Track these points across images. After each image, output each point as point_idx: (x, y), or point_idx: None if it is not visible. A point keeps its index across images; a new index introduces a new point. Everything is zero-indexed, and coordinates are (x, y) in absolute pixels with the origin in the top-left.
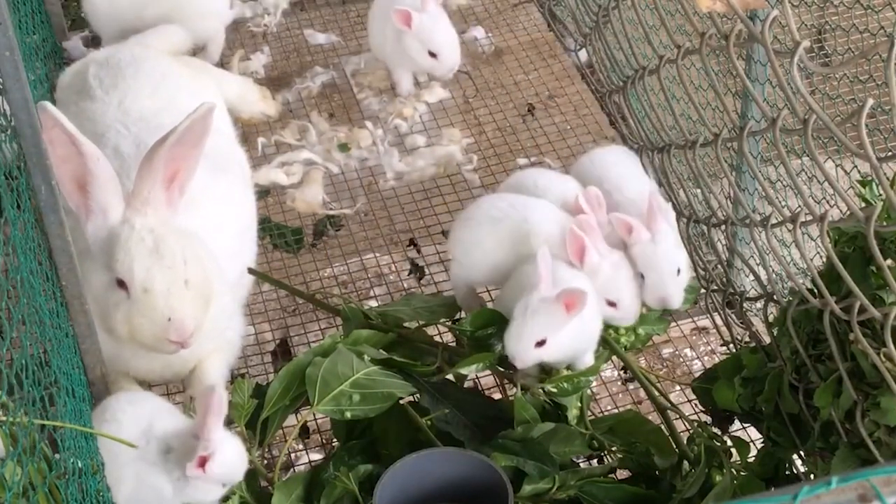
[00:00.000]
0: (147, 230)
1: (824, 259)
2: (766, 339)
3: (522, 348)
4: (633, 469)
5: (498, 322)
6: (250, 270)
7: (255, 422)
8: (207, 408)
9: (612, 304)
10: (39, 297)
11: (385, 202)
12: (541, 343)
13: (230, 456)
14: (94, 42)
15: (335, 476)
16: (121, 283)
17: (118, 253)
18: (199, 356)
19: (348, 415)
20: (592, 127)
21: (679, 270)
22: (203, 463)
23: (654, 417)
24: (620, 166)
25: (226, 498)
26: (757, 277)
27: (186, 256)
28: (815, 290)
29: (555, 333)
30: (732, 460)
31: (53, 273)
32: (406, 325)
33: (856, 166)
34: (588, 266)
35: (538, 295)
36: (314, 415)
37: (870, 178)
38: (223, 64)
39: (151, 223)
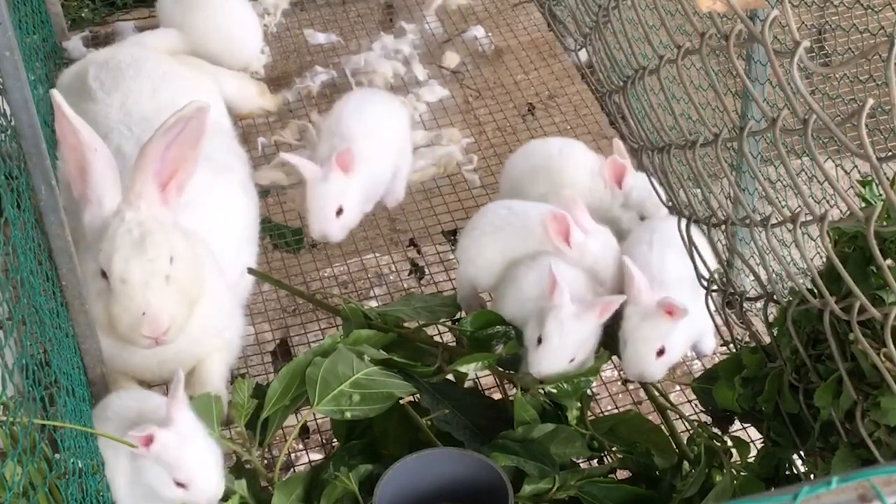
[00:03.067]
0: (136, 223)
1: (824, 259)
2: (766, 339)
3: (559, 368)
4: (633, 469)
5: (498, 323)
6: (250, 270)
7: (255, 422)
8: (172, 390)
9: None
10: (39, 297)
11: None
12: (572, 360)
13: (179, 442)
14: (93, 42)
15: (335, 476)
16: (104, 274)
17: (103, 243)
18: (199, 356)
19: (348, 415)
20: (592, 127)
21: (663, 350)
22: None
23: (654, 417)
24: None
25: (226, 497)
26: (757, 277)
27: (174, 253)
28: (815, 290)
29: (584, 345)
30: (732, 460)
31: (53, 273)
32: (406, 325)
33: (856, 166)
34: (575, 247)
35: (566, 310)
36: (314, 415)
37: (870, 178)
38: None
39: (142, 217)
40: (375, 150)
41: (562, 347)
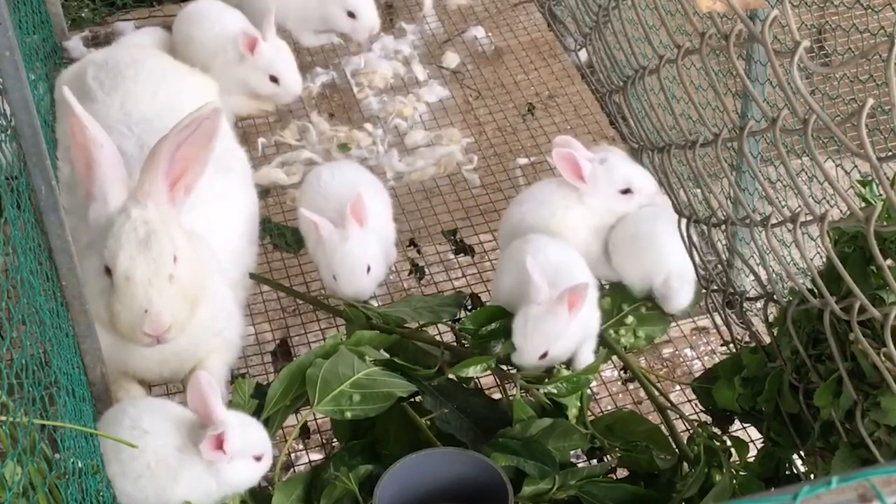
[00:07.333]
0: (142, 221)
1: (824, 259)
2: (766, 339)
3: (527, 360)
4: (633, 468)
5: (499, 317)
6: (251, 275)
7: None
8: (202, 393)
9: (627, 191)
10: (39, 297)
11: None
12: (543, 356)
13: (240, 427)
14: (94, 42)
15: (335, 476)
16: (108, 271)
17: (108, 240)
18: (199, 356)
19: (348, 415)
20: (592, 127)
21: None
22: (220, 444)
23: (654, 417)
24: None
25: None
26: (757, 277)
27: (178, 253)
28: (815, 290)
29: (556, 341)
30: (732, 460)
31: (53, 273)
32: (407, 325)
33: (856, 166)
34: (588, 178)
35: (537, 305)
36: (314, 415)
37: (870, 178)
38: None
39: (149, 216)
40: (372, 199)
41: (526, 341)
